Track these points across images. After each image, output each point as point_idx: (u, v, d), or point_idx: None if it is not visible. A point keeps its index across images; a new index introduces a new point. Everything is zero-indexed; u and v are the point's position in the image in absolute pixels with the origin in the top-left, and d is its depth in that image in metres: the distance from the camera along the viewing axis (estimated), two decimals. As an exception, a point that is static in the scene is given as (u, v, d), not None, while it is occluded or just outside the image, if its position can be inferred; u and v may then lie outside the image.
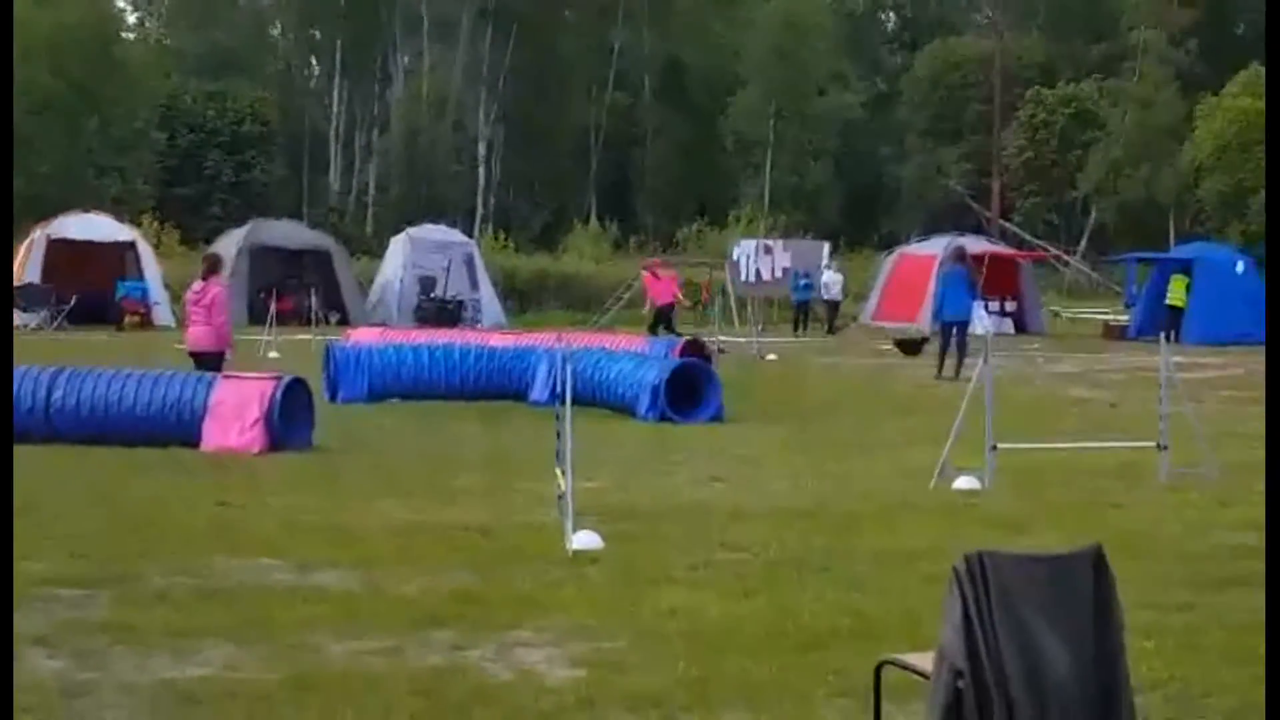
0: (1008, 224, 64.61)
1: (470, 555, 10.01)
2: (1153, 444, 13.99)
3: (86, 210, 43.21)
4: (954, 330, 25.63)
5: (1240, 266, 39.56)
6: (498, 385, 21.53)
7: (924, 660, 4.95)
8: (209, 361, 17.65)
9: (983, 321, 34.28)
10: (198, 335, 18.11)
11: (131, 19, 74.75)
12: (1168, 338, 15.67)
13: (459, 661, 7.49)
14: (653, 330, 32.40)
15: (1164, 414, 13.93)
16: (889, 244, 55.55)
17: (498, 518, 11.47)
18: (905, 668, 5.23)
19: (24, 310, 38.52)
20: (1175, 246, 53.33)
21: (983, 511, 12.06)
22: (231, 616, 8.23)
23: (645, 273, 35.55)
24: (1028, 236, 63.52)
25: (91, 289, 39.23)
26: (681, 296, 35.53)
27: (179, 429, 15.41)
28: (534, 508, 11.73)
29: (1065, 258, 58.74)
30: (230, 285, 40.71)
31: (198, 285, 18.28)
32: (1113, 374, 27.91)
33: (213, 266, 18.72)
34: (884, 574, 9.55)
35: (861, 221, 67.89)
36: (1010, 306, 44.11)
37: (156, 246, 44.50)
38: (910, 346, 32.44)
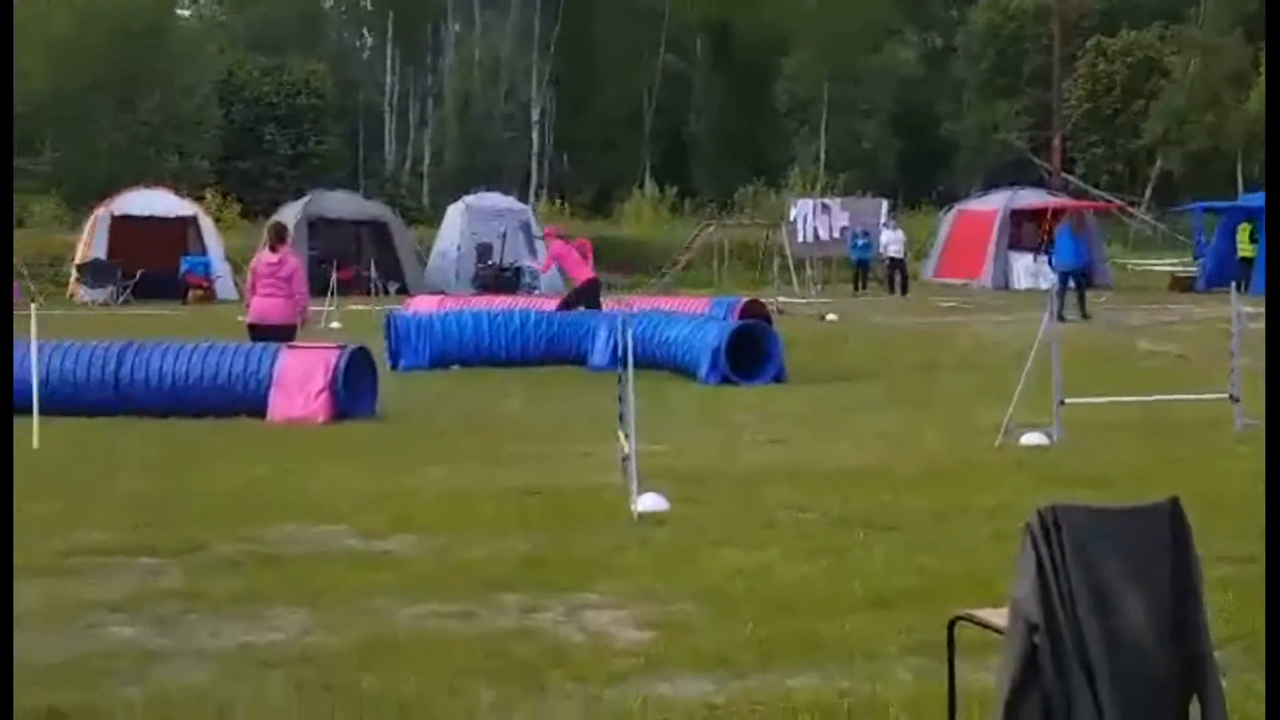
0: (1069, 176, 63.94)
1: (535, 520, 10.01)
2: (1224, 395, 13.85)
3: (148, 187, 43.48)
4: (1066, 278, 29.87)
5: None
6: (558, 350, 21.55)
7: (998, 616, 4.89)
8: (278, 334, 16.48)
9: (1047, 276, 34.97)
10: (269, 307, 16.78)
11: (185, -3, 75.03)
12: (1239, 288, 15.50)
13: (529, 624, 7.50)
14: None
15: (1235, 365, 13.79)
16: (948, 200, 55.11)
17: (562, 482, 11.47)
18: (979, 623, 5.17)
19: (90, 287, 38.85)
20: (1244, 195, 52.55)
21: (1050, 468, 11.96)
22: (301, 583, 8.26)
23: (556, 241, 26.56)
24: (1090, 189, 62.89)
25: (155, 264, 39.45)
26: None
27: (245, 400, 15.50)
28: (597, 472, 11.71)
29: (1130, 209, 58.11)
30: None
31: (271, 256, 16.85)
32: (1181, 326, 27.68)
33: (280, 235, 17.42)
34: (951, 532, 9.48)
35: (919, 179, 67.41)
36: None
37: (217, 220, 44.73)
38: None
